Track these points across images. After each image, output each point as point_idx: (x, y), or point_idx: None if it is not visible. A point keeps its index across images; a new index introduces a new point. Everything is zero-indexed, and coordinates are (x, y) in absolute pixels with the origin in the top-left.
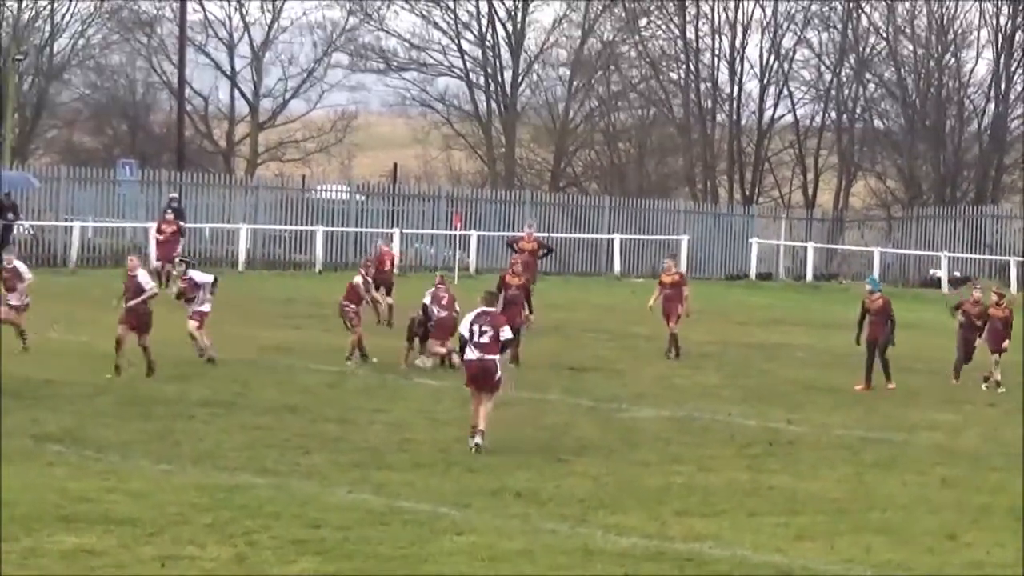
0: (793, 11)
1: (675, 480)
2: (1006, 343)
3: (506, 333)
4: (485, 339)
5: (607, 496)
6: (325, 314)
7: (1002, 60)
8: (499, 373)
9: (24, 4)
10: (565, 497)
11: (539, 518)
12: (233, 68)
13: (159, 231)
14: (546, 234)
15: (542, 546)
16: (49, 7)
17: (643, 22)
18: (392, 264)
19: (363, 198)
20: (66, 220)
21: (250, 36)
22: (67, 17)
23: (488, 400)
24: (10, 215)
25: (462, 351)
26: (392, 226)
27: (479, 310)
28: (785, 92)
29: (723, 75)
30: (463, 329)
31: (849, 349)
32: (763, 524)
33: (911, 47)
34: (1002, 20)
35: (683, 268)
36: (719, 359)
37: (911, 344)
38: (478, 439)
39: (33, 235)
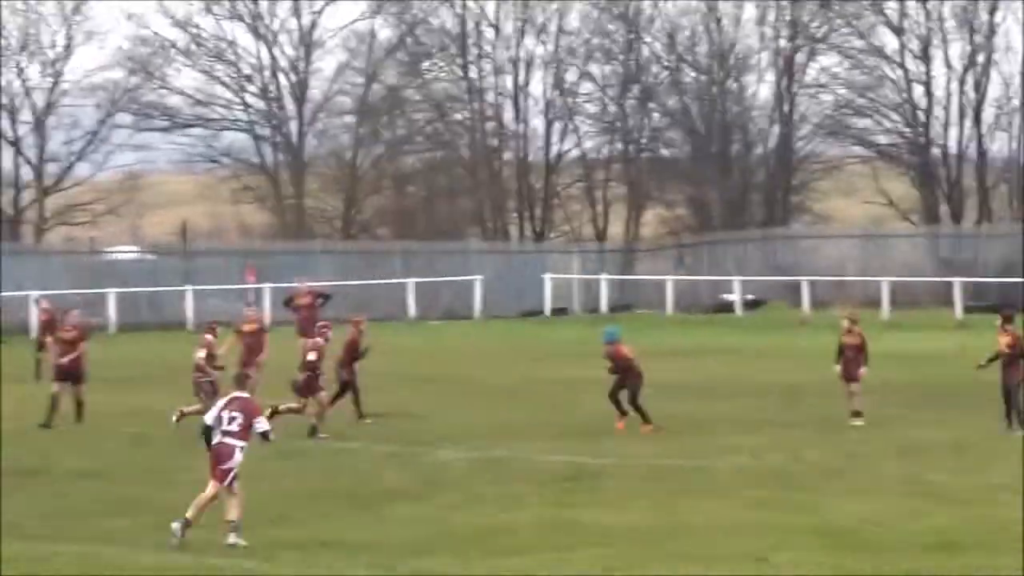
0: (574, 45)
1: (482, 521)
2: (861, 370)
3: (261, 424)
4: (234, 426)
5: (415, 541)
6: (122, 376)
7: (783, 82)
8: (235, 462)
9: None
10: (373, 545)
11: (348, 567)
12: (16, 133)
13: None
14: (340, 282)
15: None
16: None
17: (426, 64)
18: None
19: (155, 256)
20: None
21: (31, 101)
22: None
23: (229, 493)
24: None
25: (207, 440)
26: (185, 283)
27: (231, 395)
28: (571, 127)
29: (508, 113)
30: (210, 416)
31: (650, 378)
32: (572, 559)
33: (694, 74)
34: (782, 43)
35: (477, 309)
36: (520, 396)
37: (709, 370)
38: (233, 540)
39: None
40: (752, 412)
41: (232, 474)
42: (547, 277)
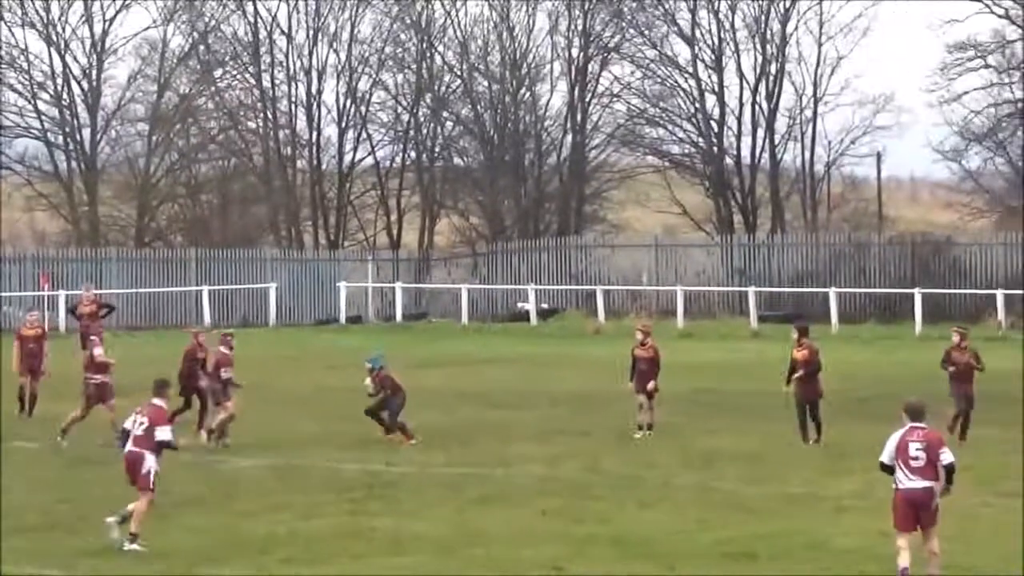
0: (367, 54)
1: (278, 529)
2: (651, 384)
3: (162, 433)
4: (140, 431)
5: (211, 548)
6: None
7: (576, 92)
8: (148, 467)
9: None
10: (169, 551)
11: (145, 570)
12: None
13: None
14: (135, 289)
15: None
16: None
17: (219, 73)
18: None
19: None
20: None
21: None
22: None
23: (143, 497)
24: None
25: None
26: (86, 285)
27: (149, 401)
28: (364, 135)
29: (301, 121)
30: (128, 421)
31: (440, 387)
32: (369, 566)
33: (486, 84)
34: (574, 52)
35: (272, 317)
36: (314, 404)
37: (504, 379)
38: (130, 541)
39: None
40: (547, 421)
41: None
42: (342, 285)
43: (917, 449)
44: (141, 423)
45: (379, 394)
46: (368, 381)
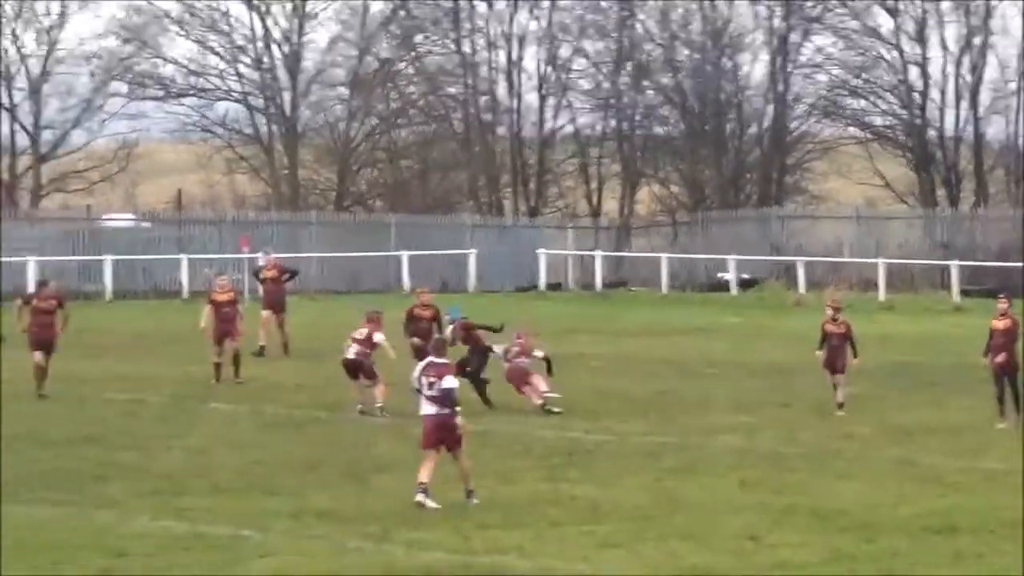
0: (568, 21)
1: (479, 493)
2: (854, 361)
3: (447, 382)
4: (435, 391)
5: (409, 512)
6: (115, 344)
7: (778, 62)
8: (460, 426)
9: None
10: (367, 515)
11: (342, 537)
12: (11, 101)
13: None
14: (334, 253)
15: (346, 565)
16: None
17: (419, 38)
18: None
19: (149, 225)
20: None
21: (27, 68)
22: None
23: (461, 454)
24: None
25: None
26: (179, 252)
27: (428, 360)
28: (565, 102)
29: (502, 88)
30: (413, 381)
31: (639, 356)
32: (567, 534)
33: (687, 52)
34: (776, 22)
35: (471, 283)
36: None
37: (702, 348)
38: (420, 497)
39: None
40: (746, 392)
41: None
42: (541, 252)
43: None
44: (432, 383)
45: (455, 344)
46: (448, 332)
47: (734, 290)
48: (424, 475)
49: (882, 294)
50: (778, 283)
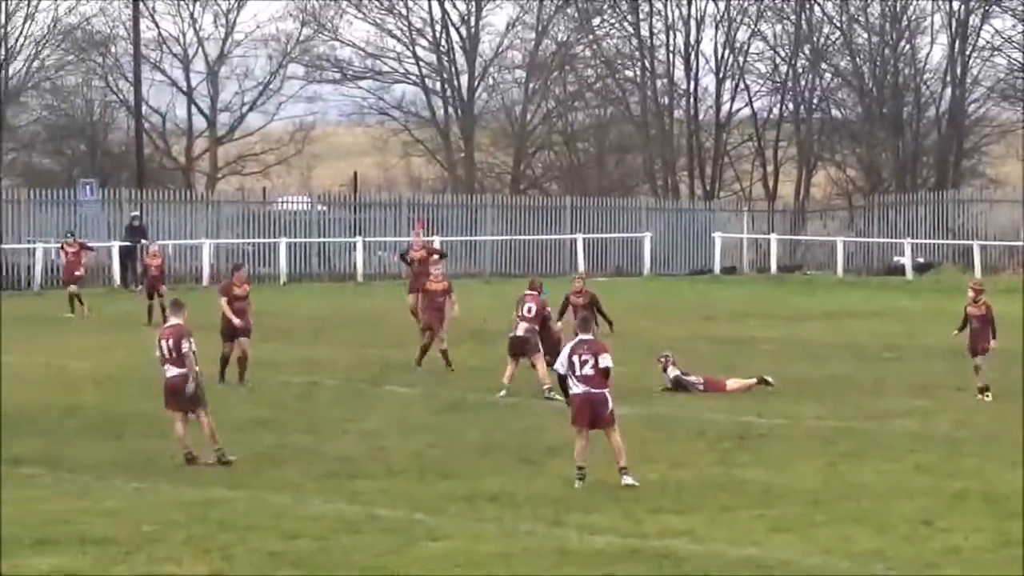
0: (746, 4)
1: (648, 477)
2: (992, 343)
3: (605, 360)
4: (587, 370)
5: (581, 496)
6: (290, 327)
7: (956, 45)
8: (611, 404)
9: None
10: (539, 499)
11: (513, 521)
12: (189, 84)
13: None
14: (509, 236)
15: (518, 549)
16: (2, 31)
17: (596, 21)
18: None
19: (324, 208)
20: (29, 242)
21: (204, 51)
22: (20, 40)
23: (613, 432)
24: None
25: (564, 386)
26: (355, 235)
27: (578, 338)
28: (742, 86)
29: (679, 71)
30: (561, 364)
31: (814, 339)
32: (737, 518)
33: (866, 36)
34: (955, 5)
35: (646, 266)
36: (687, 354)
37: (878, 331)
38: (629, 479)
39: None
40: (922, 376)
41: (612, 415)
42: (717, 236)
43: None
44: (584, 361)
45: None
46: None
47: (910, 274)
48: (580, 458)
49: None
50: (954, 267)
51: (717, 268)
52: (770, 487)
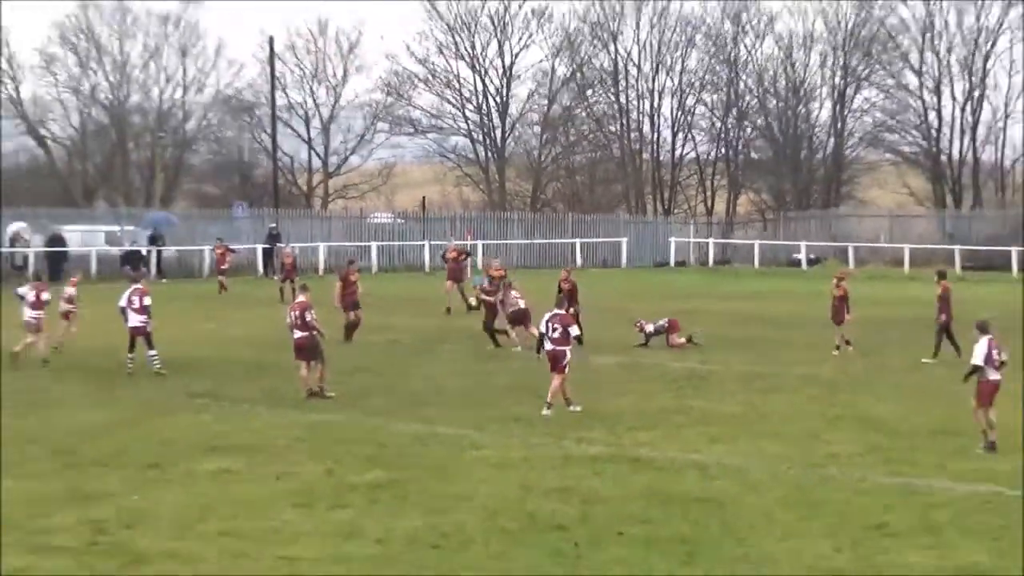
0: (692, 80)
1: (624, 405)
2: (846, 316)
3: (574, 331)
4: (556, 334)
5: (578, 419)
6: (379, 303)
7: (837, 108)
8: (567, 360)
9: (164, 97)
10: (548, 421)
11: (532, 436)
12: (309, 135)
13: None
14: (527, 241)
15: (535, 455)
16: (182, 99)
17: (589, 92)
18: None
19: (402, 221)
20: (199, 246)
21: (320, 113)
22: (194, 106)
23: (559, 376)
24: (160, 243)
25: (540, 344)
26: (423, 239)
27: (553, 312)
28: (689, 135)
29: (646, 127)
30: (541, 327)
31: (743, 311)
32: (685, 433)
33: (775, 102)
34: (836, 80)
35: (624, 261)
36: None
37: (782, 306)
38: (548, 411)
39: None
40: (812, 337)
41: (565, 366)
42: (672, 240)
43: None
44: (555, 328)
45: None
46: (473, 300)
47: (805, 266)
48: (551, 394)
49: (907, 269)
50: (835, 260)
51: (672, 262)
52: (708, 412)
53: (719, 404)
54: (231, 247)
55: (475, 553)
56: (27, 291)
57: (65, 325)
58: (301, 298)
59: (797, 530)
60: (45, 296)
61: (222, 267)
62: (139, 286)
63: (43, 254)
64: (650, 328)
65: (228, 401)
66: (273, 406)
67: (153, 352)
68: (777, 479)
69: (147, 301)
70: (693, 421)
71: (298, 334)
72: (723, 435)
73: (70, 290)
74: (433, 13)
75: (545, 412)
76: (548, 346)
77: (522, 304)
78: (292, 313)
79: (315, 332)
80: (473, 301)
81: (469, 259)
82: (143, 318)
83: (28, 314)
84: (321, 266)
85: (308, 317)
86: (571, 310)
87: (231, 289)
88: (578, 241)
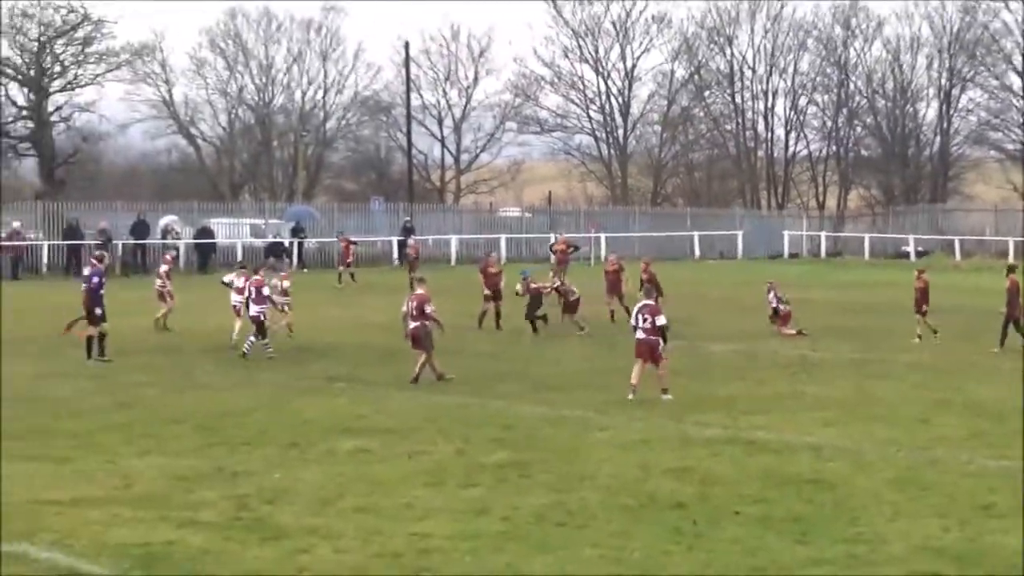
0: (804, 81)
1: (740, 390)
2: (924, 307)
3: (660, 320)
4: (647, 324)
5: (696, 403)
6: (507, 292)
7: (943, 108)
8: (660, 348)
9: (306, 98)
10: (668, 405)
11: (652, 418)
12: (442, 134)
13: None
14: (648, 234)
15: (655, 437)
16: (322, 100)
17: (707, 93)
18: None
19: (530, 215)
20: (337, 235)
21: (452, 113)
22: (334, 107)
23: (656, 367)
24: (302, 235)
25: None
26: (549, 232)
27: (643, 302)
28: (802, 134)
29: (760, 126)
30: (632, 318)
31: (853, 300)
32: (800, 418)
33: (883, 102)
34: (942, 81)
35: (739, 253)
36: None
37: (890, 296)
38: (665, 397)
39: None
40: (915, 326)
41: (661, 354)
42: (785, 233)
43: None
44: (645, 318)
45: (525, 295)
46: (519, 287)
47: (912, 257)
48: (635, 379)
49: (1011, 261)
50: (942, 253)
51: (786, 254)
52: (820, 397)
53: (831, 389)
54: (353, 239)
55: (597, 530)
56: (234, 278)
57: (284, 315)
58: (420, 290)
59: (907, 510)
60: (266, 291)
61: (347, 260)
62: (257, 276)
63: (193, 245)
64: (773, 301)
65: (363, 384)
66: (405, 389)
67: (253, 339)
68: (887, 461)
69: (266, 292)
70: (806, 406)
71: (412, 324)
72: (835, 419)
73: (284, 283)
74: (559, 18)
75: (635, 393)
76: (640, 335)
77: (576, 295)
78: (409, 303)
79: (429, 323)
80: (520, 288)
81: (578, 251)
82: (259, 307)
83: (235, 299)
84: (453, 257)
85: (428, 309)
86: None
87: (362, 280)
88: (696, 234)
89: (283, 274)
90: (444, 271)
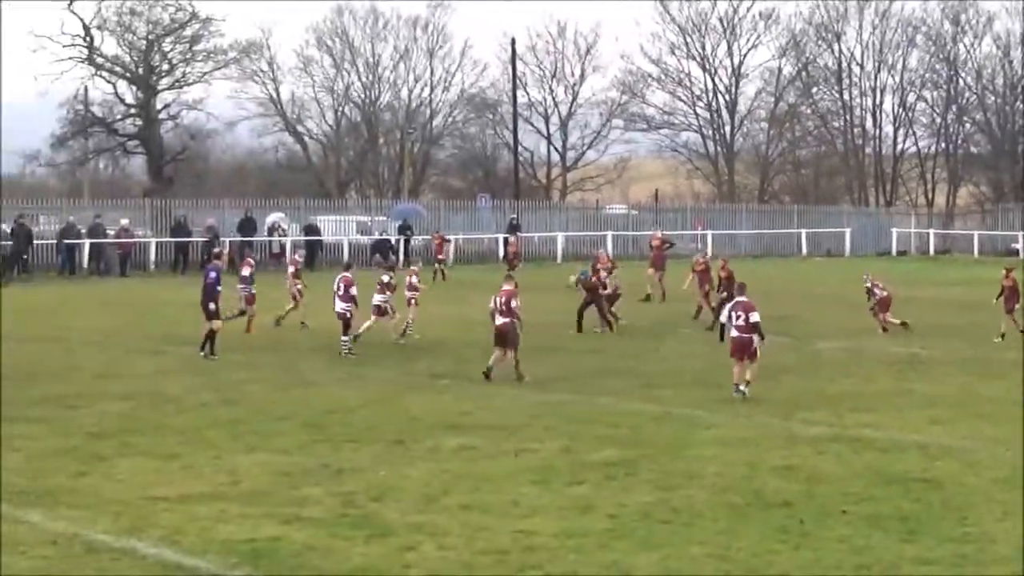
0: (913, 78)
1: (847, 388)
2: (1015, 304)
3: (754, 317)
4: (741, 322)
5: (801, 400)
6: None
7: None
8: (754, 345)
9: (412, 95)
10: (774, 402)
11: (758, 415)
12: (548, 131)
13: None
14: (756, 231)
15: (761, 434)
16: (429, 98)
17: (814, 90)
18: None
19: (636, 212)
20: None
21: (559, 111)
22: (440, 104)
23: (752, 364)
24: (408, 232)
25: (723, 332)
26: (654, 229)
27: (736, 300)
28: (911, 131)
29: (868, 122)
30: (724, 315)
31: (961, 298)
32: (908, 416)
33: (993, 98)
34: None
35: (847, 250)
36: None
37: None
38: (742, 389)
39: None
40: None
41: (755, 351)
42: (894, 230)
43: None
44: (739, 315)
45: (581, 292)
46: (572, 278)
47: (1022, 255)
48: (737, 378)
49: None
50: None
51: (894, 251)
52: (928, 395)
53: (938, 387)
54: (447, 237)
55: (703, 528)
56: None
57: (410, 309)
58: (507, 286)
59: (1016, 510)
60: (354, 291)
61: (439, 256)
62: (346, 274)
63: (301, 242)
64: (868, 280)
65: (467, 381)
66: (511, 386)
67: (346, 338)
68: (996, 460)
69: (353, 291)
70: (913, 403)
71: (500, 320)
72: (942, 417)
73: (414, 278)
74: (666, 15)
75: (739, 392)
76: (734, 333)
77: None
78: (497, 299)
79: (516, 319)
80: (572, 279)
81: (672, 248)
82: (346, 305)
83: (377, 299)
84: (559, 254)
85: (514, 304)
86: (725, 295)
87: (467, 277)
88: (804, 231)
89: (414, 268)
90: (549, 268)
